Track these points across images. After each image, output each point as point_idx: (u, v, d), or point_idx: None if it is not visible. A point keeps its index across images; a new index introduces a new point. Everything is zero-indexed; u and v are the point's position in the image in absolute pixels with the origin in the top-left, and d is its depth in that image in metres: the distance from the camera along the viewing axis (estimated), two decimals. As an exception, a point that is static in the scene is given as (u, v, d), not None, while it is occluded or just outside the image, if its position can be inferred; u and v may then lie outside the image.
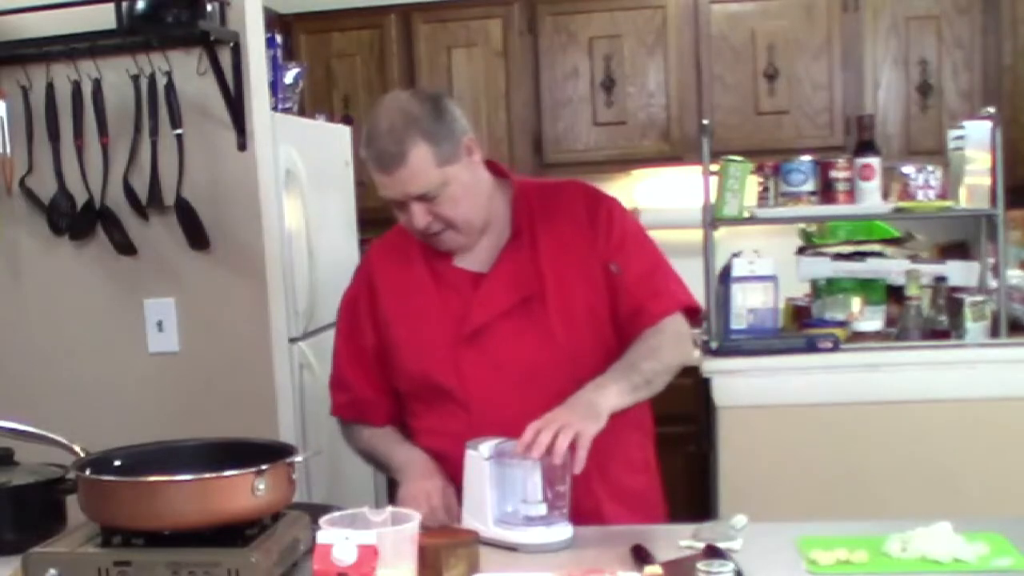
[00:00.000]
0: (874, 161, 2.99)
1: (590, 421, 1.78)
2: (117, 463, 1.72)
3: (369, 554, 1.44)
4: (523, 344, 1.95)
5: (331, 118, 3.90)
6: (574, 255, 1.98)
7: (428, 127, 1.87)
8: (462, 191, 1.92)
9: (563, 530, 1.81)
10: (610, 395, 1.85)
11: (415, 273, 2.03)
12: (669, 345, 1.97)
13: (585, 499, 1.92)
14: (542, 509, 1.80)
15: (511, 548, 1.79)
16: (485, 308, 1.96)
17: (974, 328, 2.91)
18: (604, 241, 1.99)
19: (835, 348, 2.84)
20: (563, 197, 2.04)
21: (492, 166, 2.06)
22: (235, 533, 1.59)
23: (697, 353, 2.80)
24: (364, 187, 4.31)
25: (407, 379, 2.03)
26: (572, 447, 1.75)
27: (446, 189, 1.89)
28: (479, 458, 1.83)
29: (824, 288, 3.13)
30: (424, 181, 1.88)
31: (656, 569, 1.61)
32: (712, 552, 1.64)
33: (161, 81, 2.54)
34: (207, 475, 1.58)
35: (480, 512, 1.83)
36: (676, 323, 2.01)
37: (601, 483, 1.96)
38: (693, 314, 2.09)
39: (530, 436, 1.75)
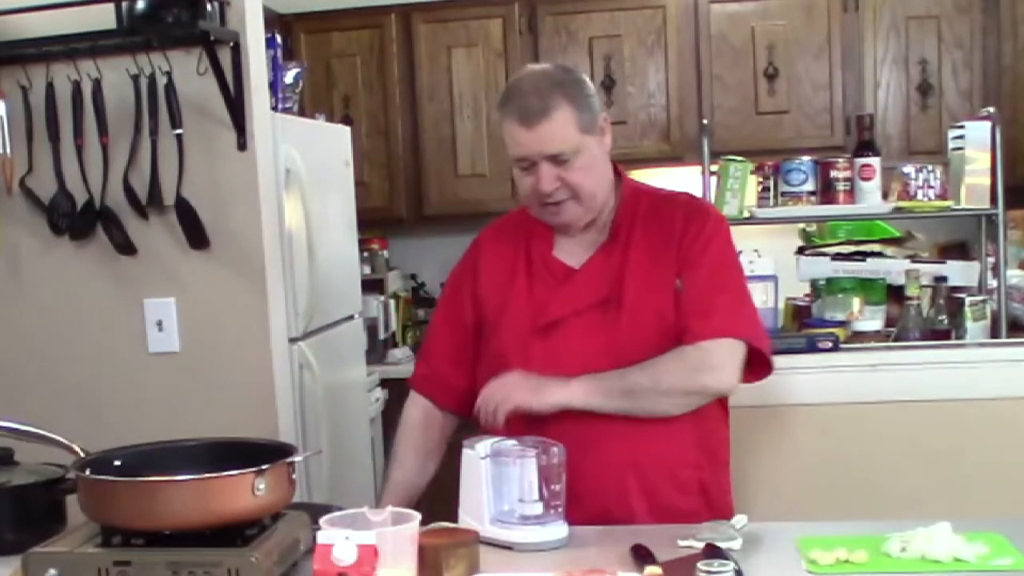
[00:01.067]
0: (874, 161, 2.99)
1: (527, 394, 1.89)
2: (117, 463, 1.72)
3: (369, 554, 1.44)
4: (589, 344, 1.96)
5: (331, 118, 3.91)
6: (658, 265, 1.99)
7: (573, 92, 1.94)
8: (593, 163, 1.96)
9: (558, 529, 1.81)
10: (574, 390, 1.89)
11: (516, 258, 2.07)
12: (677, 366, 1.93)
13: (618, 507, 1.93)
14: (538, 508, 1.80)
15: (507, 547, 1.79)
16: (564, 303, 2.00)
17: (974, 328, 2.91)
18: (683, 256, 1.99)
19: (835, 348, 2.84)
20: (669, 206, 2.05)
21: (612, 164, 2.08)
22: (235, 533, 1.59)
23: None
24: (364, 187, 4.33)
25: (487, 360, 2.05)
26: (579, 443, 1.83)
27: (579, 156, 1.93)
28: (475, 457, 1.83)
29: (824, 288, 3.13)
30: (562, 141, 1.91)
31: (656, 569, 1.61)
32: (712, 552, 1.64)
33: (161, 81, 2.54)
34: (207, 475, 1.59)
35: (476, 511, 1.83)
36: (714, 353, 1.95)
37: (640, 495, 1.95)
38: (763, 364, 2.03)
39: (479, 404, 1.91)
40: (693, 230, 1.99)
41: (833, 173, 2.98)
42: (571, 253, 2.04)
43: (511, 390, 1.90)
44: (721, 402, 2.09)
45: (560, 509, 1.82)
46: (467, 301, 2.11)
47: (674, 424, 1.96)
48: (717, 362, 1.96)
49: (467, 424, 2.11)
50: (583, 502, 1.90)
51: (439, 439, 2.13)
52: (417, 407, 2.15)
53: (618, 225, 2.02)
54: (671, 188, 2.14)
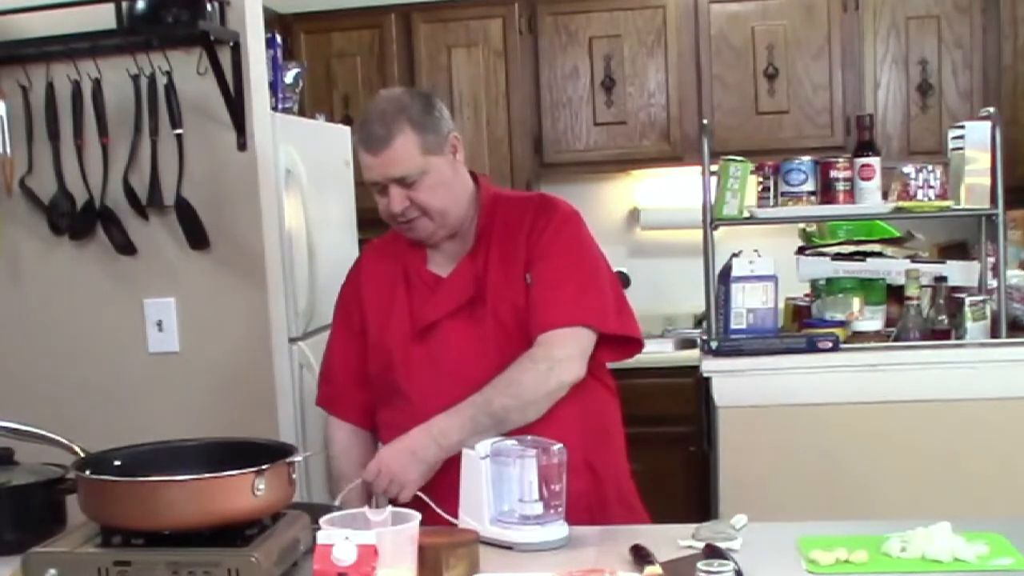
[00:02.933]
0: (874, 161, 2.99)
1: (412, 470, 1.95)
2: (117, 463, 1.72)
3: (369, 554, 1.44)
4: (461, 343, 2.06)
5: (331, 118, 3.90)
6: (510, 263, 2.08)
7: (416, 117, 2.01)
8: (440, 182, 2.04)
9: (559, 529, 1.81)
10: (446, 436, 1.96)
11: (394, 273, 2.16)
12: (531, 375, 2.00)
13: None
14: (538, 508, 1.80)
15: (507, 547, 1.79)
16: (435, 309, 2.09)
17: (974, 328, 2.91)
18: (530, 251, 2.08)
19: (835, 348, 2.84)
20: (521, 208, 2.14)
21: (472, 176, 2.17)
22: (235, 533, 1.59)
23: (697, 353, 2.79)
24: (364, 187, 4.32)
25: (372, 372, 2.15)
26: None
27: (425, 177, 2.02)
28: (475, 457, 1.83)
29: (824, 288, 3.13)
30: (405, 165, 2.00)
31: (656, 569, 1.61)
32: (712, 552, 1.64)
33: (161, 81, 2.54)
34: (207, 475, 1.58)
35: (476, 511, 1.83)
36: (562, 344, 2.02)
37: None
38: (627, 344, 2.11)
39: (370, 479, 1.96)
40: (540, 225, 2.09)
41: (833, 173, 2.98)
42: (441, 264, 2.13)
43: (398, 476, 1.95)
44: (604, 382, 2.17)
45: (560, 509, 1.82)
46: (357, 318, 2.19)
47: (558, 412, 2.03)
48: (564, 354, 2.02)
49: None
50: None
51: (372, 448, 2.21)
52: (338, 427, 2.23)
53: (480, 233, 2.11)
54: (525, 192, 2.31)
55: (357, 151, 2.06)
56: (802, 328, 3.09)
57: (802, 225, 3.38)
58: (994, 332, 2.95)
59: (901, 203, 2.97)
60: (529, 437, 1.87)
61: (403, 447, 1.97)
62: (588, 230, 2.14)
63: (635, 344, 2.14)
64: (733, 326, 2.91)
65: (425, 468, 1.96)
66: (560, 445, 1.82)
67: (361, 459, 2.12)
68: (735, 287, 2.90)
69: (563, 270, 2.06)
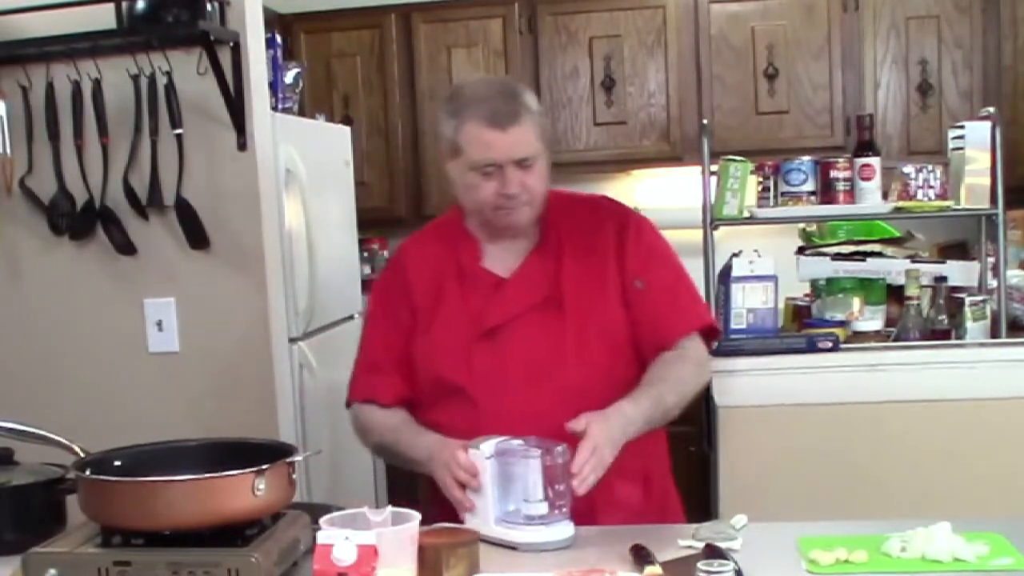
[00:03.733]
0: (874, 161, 2.99)
1: (613, 453, 1.84)
2: (117, 463, 1.72)
3: (369, 554, 1.44)
4: (534, 346, 1.99)
5: (331, 118, 3.91)
6: (596, 269, 2.03)
7: (532, 104, 2.00)
8: (546, 169, 2.02)
9: (564, 529, 1.81)
10: (633, 429, 1.90)
11: (443, 268, 2.09)
12: (692, 376, 2.03)
13: (581, 501, 1.91)
14: (543, 508, 1.80)
15: (512, 547, 1.79)
16: (503, 309, 2.02)
17: (974, 328, 2.91)
18: (631, 258, 2.04)
19: (835, 348, 2.84)
20: (595, 212, 2.11)
21: None
22: (235, 533, 1.59)
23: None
24: (364, 187, 4.33)
25: (421, 371, 2.07)
26: (573, 442, 1.80)
27: (538, 162, 1.99)
28: (480, 456, 1.83)
29: (824, 288, 3.13)
30: (530, 146, 1.96)
31: (656, 569, 1.61)
32: (712, 552, 1.64)
33: (161, 81, 2.54)
34: (207, 475, 1.58)
35: (482, 511, 1.83)
36: (698, 348, 2.07)
37: (597, 487, 1.93)
38: (712, 334, 2.15)
39: (583, 459, 1.79)
40: (631, 232, 2.07)
41: (833, 173, 2.98)
42: (500, 262, 2.07)
43: (604, 459, 1.83)
44: None
45: (565, 509, 1.81)
46: (404, 312, 2.10)
47: None
48: (704, 355, 2.09)
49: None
50: None
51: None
52: (376, 423, 2.10)
53: (546, 232, 2.07)
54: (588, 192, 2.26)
55: (466, 128, 1.96)
56: (802, 328, 3.09)
57: (802, 225, 3.38)
58: (994, 332, 2.94)
59: (901, 203, 2.97)
60: (533, 438, 1.84)
61: (608, 434, 1.84)
62: None
63: (715, 334, 2.18)
64: (733, 326, 2.90)
65: (616, 452, 1.85)
66: (563, 446, 1.80)
67: (413, 419, 2.06)
68: (735, 287, 2.89)
69: (673, 277, 2.10)
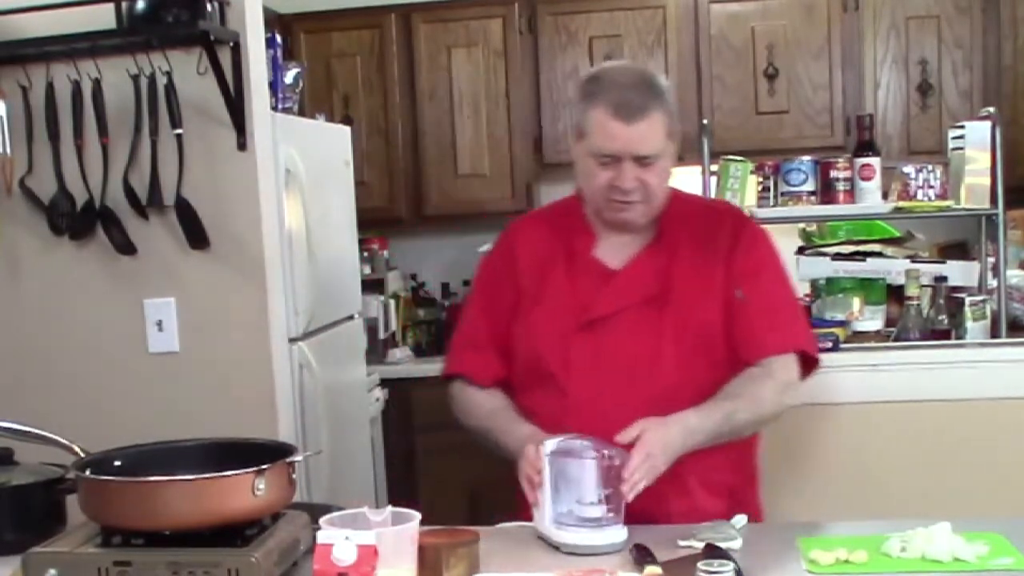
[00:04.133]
0: (874, 161, 2.99)
1: (667, 461, 1.82)
2: (117, 463, 1.72)
3: (369, 554, 1.44)
4: (634, 342, 1.96)
5: (331, 118, 3.90)
6: (705, 272, 2.00)
7: (667, 99, 1.96)
8: (666, 169, 1.99)
9: (612, 534, 1.77)
10: (694, 441, 1.88)
11: (553, 252, 2.07)
12: (772, 397, 1.99)
13: (660, 513, 1.91)
14: (594, 511, 1.77)
15: (569, 549, 1.76)
16: (610, 301, 2.00)
17: (974, 328, 2.91)
18: (739, 266, 2.01)
19: (835, 348, 2.84)
20: (713, 215, 2.09)
21: None
22: (235, 533, 1.59)
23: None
24: (364, 187, 4.33)
25: (519, 354, 2.05)
26: (628, 448, 1.79)
27: (660, 160, 1.95)
28: (543, 453, 1.82)
29: (824, 288, 3.13)
30: (653, 143, 1.93)
31: (656, 569, 1.61)
32: (712, 552, 1.64)
33: (161, 81, 2.54)
34: (207, 475, 1.58)
35: (540, 509, 1.82)
36: (787, 369, 2.02)
37: (677, 498, 1.95)
38: (810, 363, 2.08)
39: (635, 464, 1.78)
40: (746, 242, 2.03)
41: (833, 173, 2.98)
42: (613, 253, 2.04)
43: (657, 466, 1.82)
44: None
45: (617, 513, 1.78)
46: (508, 293, 2.09)
47: None
48: (793, 378, 2.03)
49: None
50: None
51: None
52: (476, 405, 2.09)
53: (663, 228, 2.03)
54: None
55: (592, 114, 1.93)
56: (802, 328, 3.09)
57: (802, 225, 3.38)
58: (994, 332, 2.95)
59: (901, 203, 2.97)
60: (598, 439, 1.80)
61: (665, 441, 1.83)
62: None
63: (814, 364, 2.10)
64: (733, 326, 2.90)
65: (671, 461, 1.84)
66: (618, 449, 1.79)
67: (512, 406, 2.04)
68: (735, 287, 2.89)
69: (777, 294, 2.05)
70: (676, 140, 1.99)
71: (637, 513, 1.87)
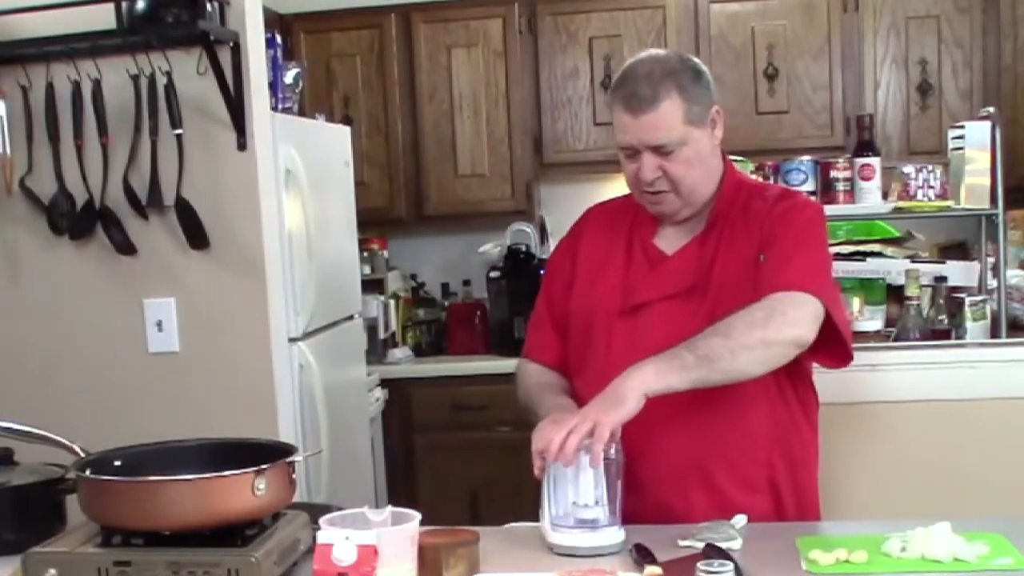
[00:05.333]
0: (874, 161, 2.99)
1: (610, 410, 1.73)
2: (117, 463, 1.72)
3: (369, 554, 1.44)
4: (671, 329, 1.89)
5: (331, 118, 3.91)
6: (744, 253, 1.94)
7: (685, 83, 1.90)
8: (696, 156, 1.93)
9: (612, 534, 1.76)
10: (646, 375, 1.76)
11: (616, 239, 2.06)
12: (748, 318, 1.81)
13: (679, 503, 1.90)
14: (590, 513, 1.77)
15: (565, 551, 1.75)
16: (652, 288, 1.98)
17: (974, 328, 2.91)
18: (766, 234, 1.93)
19: (835, 348, 2.84)
20: (763, 198, 2.00)
21: (721, 155, 2.04)
22: (235, 533, 1.59)
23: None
24: (364, 187, 4.33)
25: (573, 333, 2.05)
26: (639, 435, 1.77)
27: (683, 148, 1.91)
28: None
29: (824, 288, 3.13)
30: (666, 133, 1.89)
31: (656, 569, 1.61)
32: (712, 552, 1.64)
33: (161, 81, 2.54)
34: (207, 475, 1.58)
35: (542, 509, 1.81)
36: (780, 300, 1.83)
37: (702, 491, 1.91)
38: (840, 346, 1.91)
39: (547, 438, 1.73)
40: (779, 210, 1.95)
41: (833, 173, 2.98)
42: (670, 241, 2.02)
43: (585, 420, 1.73)
44: (803, 403, 2.01)
45: (612, 513, 1.77)
46: (567, 275, 2.09)
47: (744, 420, 1.92)
48: (790, 310, 1.83)
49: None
50: (641, 493, 1.88)
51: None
52: (526, 375, 2.10)
53: (715, 217, 2.00)
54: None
55: (613, 109, 1.94)
56: (802, 328, 3.08)
57: (802, 225, 3.37)
58: (994, 332, 2.95)
59: (901, 203, 2.97)
60: (586, 441, 1.73)
61: (601, 393, 1.78)
62: (826, 228, 2.01)
63: (844, 351, 1.94)
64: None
65: (618, 415, 1.73)
66: (617, 446, 1.76)
67: (561, 384, 2.03)
68: (735, 287, 2.89)
69: (796, 245, 1.91)
70: (705, 125, 1.93)
71: (658, 506, 1.87)
